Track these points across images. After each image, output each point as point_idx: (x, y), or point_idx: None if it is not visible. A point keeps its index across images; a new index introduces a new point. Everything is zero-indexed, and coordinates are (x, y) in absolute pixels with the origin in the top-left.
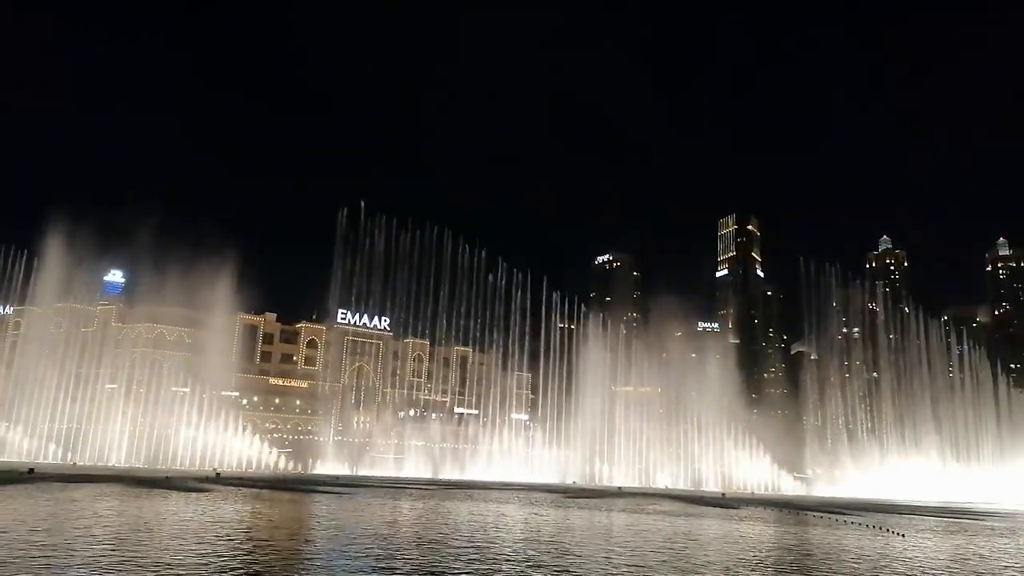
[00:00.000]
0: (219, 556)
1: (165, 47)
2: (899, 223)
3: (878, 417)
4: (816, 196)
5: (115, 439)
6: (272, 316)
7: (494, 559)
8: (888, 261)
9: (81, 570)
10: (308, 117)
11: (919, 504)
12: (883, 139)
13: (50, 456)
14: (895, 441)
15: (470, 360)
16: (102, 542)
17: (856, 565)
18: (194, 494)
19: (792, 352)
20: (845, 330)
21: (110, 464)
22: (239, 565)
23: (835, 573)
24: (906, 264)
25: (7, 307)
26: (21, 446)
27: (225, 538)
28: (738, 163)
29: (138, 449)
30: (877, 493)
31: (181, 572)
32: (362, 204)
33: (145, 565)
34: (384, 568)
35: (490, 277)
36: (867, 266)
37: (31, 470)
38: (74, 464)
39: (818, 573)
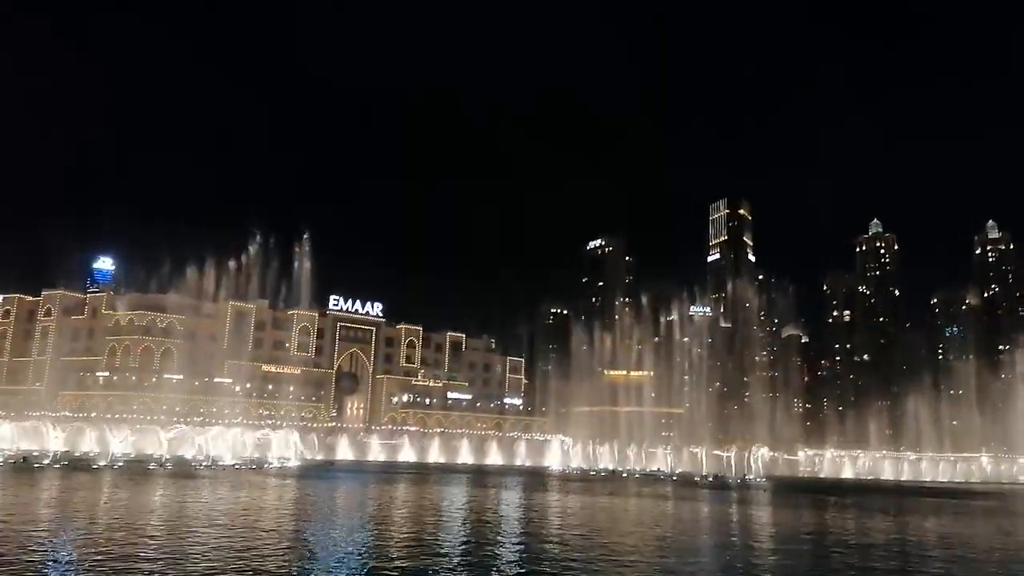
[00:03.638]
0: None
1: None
2: (890, 206)
3: (867, 401)
4: (808, 181)
5: (113, 428)
6: (264, 303)
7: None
8: (878, 244)
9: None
10: (304, 105)
11: (932, 486)
12: (874, 122)
13: (51, 445)
14: (878, 424)
15: (463, 345)
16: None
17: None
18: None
19: (784, 335)
20: (836, 313)
21: (113, 452)
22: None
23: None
24: (896, 247)
25: None
26: (14, 435)
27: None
28: (730, 146)
29: (136, 439)
30: (878, 473)
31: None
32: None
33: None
34: (378, 551)
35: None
36: (857, 250)
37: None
38: (78, 453)
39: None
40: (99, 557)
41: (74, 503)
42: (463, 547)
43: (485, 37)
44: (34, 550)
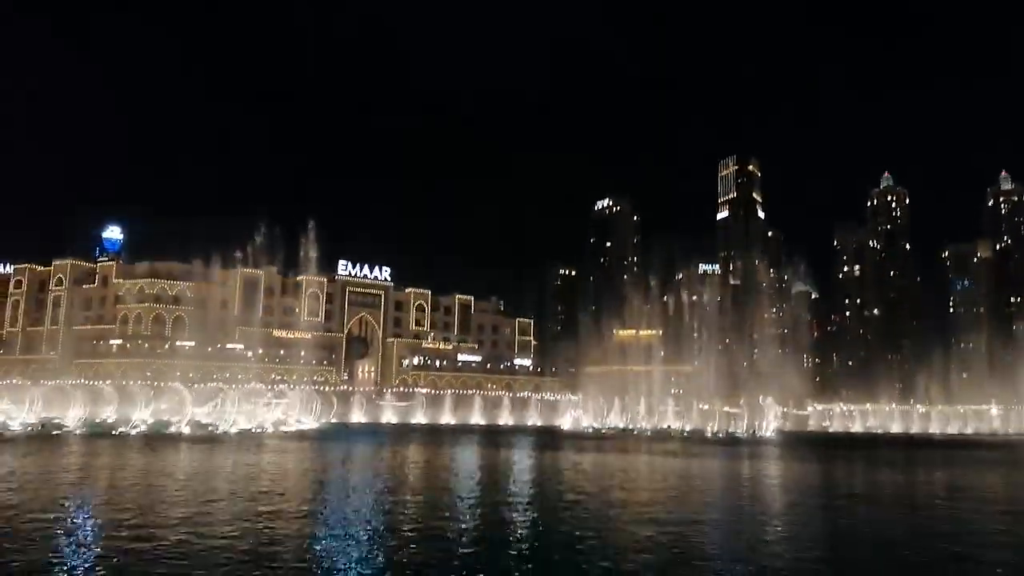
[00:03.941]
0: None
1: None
2: (901, 160)
3: (877, 355)
4: (818, 135)
5: (131, 396)
6: (273, 269)
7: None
8: (889, 198)
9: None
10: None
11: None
12: (884, 75)
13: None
14: (888, 378)
15: (472, 308)
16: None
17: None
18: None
19: (793, 292)
20: (846, 268)
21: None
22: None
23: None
24: (908, 201)
25: (7, 265)
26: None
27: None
28: (739, 102)
29: (152, 407)
30: (887, 427)
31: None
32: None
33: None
34: (392, 517)
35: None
36: (868, 204)
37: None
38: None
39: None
40: (122, 520)
41: (96, 468)
42: (477, 504)
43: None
44: (58, 515)
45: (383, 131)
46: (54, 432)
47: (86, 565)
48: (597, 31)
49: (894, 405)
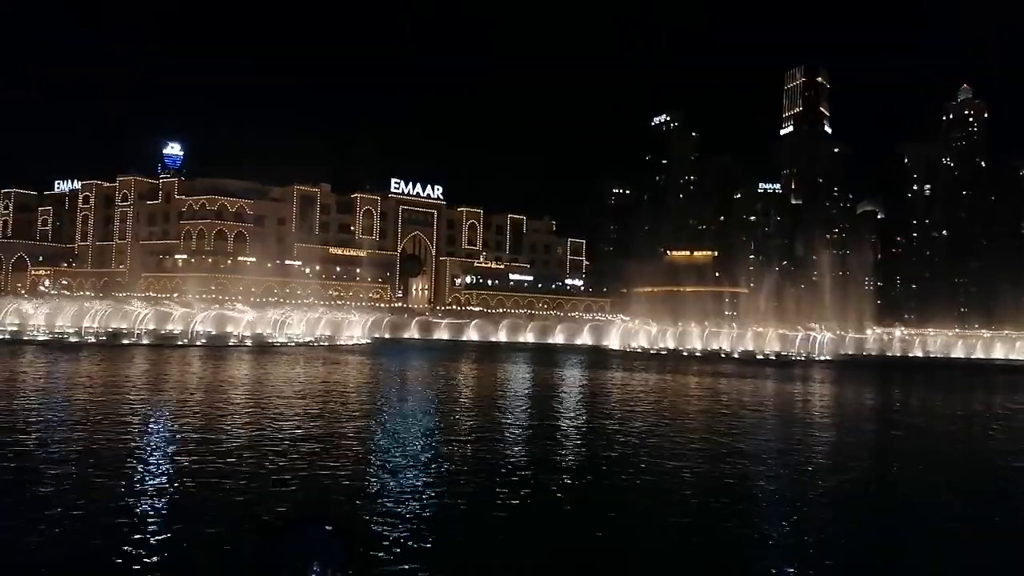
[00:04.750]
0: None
1: None
2: (981, 71)
3: (944, 277)
4: (892, 44)
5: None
6: (327, 187)
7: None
8: (967, 112)
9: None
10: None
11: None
12: None
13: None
14: (952, 302)
15: (524, 227)
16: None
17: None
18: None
19: (858, 212)
20: (916, 187)
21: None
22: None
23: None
24: (986, 115)
25: (74, 181)
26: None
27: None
28: (805, 9)
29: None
30: (949, 352)
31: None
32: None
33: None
34: (443, 425)
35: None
36: (944, 119)
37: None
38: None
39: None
40: (190, 422)
41: (163, 375)
42: (526, 417)
43: None
44: (127, 419)
45: (436, 51)
46: (122, 342)
47: (165, 450)
48: None
49: (956, 329)
